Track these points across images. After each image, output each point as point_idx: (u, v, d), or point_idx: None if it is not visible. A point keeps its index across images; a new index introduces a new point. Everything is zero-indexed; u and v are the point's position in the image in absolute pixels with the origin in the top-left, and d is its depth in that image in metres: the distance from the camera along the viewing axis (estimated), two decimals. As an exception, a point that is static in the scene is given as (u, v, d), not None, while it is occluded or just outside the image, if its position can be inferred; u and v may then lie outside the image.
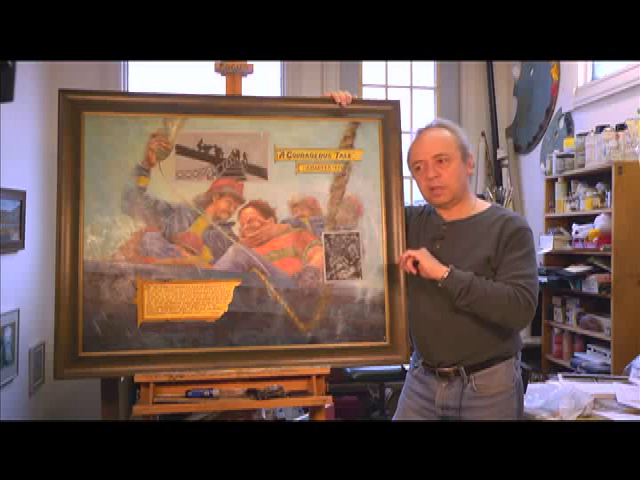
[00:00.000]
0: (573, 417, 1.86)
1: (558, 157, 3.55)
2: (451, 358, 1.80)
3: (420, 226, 1.93)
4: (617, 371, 2.69)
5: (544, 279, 3.43)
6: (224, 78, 2.09)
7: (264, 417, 2.67)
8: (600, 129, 3.19)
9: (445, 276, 1.72)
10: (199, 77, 3.31)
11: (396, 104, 2.09)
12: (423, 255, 1.77)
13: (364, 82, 4.54)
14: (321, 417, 2.00)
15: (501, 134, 4.57)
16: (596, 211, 3.15)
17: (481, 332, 1.78)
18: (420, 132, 1.88)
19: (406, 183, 2.08)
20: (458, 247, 1.81)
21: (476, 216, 1.85)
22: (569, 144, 3.54)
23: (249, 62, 2.08)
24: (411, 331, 1.94)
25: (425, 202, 1.95)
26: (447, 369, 1.81)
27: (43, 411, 3.48)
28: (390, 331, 1.95)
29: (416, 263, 1.76)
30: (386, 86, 4.61)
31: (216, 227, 1.93)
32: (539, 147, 4.19)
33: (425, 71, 4.66)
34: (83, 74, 3.79)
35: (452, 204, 1.85)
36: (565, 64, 3.92)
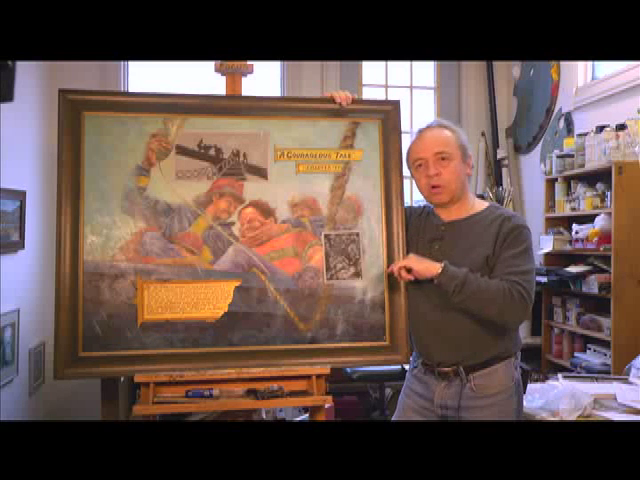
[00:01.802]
0: (573, 417, 1.86)
1: (558, 157, 3.55)
2: (450, 358, 1.80)
3: (419, 226, 1.94)
4: (617, 371, 2.69)
5: (544, 279, 3.43)
6: (224, 78, 2.09)
7: (264, 417, 2.67)
8: (600, 129, 3.19)
9: (439, 272, 1.72)
10: (199, 77, 3.31)
11: (396, 104, 2.09)
12: (412, 260, 1.79)
13: (364, 82, 4.54)
14: (321, 417, 2.00)
15: (501, 134, 4.57)
16: (596, 211, 3.15)
17: (480, 332, 1.78)
18: (421, 131, 1.88)
19: (406, 183, 2.08)
20: (457, 247, 1.81)
21: (474, 216, 1.85)
22: (569, 144, 3.54)
23: (249, 62, 2.08)
24: (410, 331, 1.94)
25: (425, 202, 1.95)
26: (446, 369, 1.81)
27: (43, 411, 3.48)
28: (390, 331, 1.95)
29: (409, 270, 1.78)
30: (386, 86, 4.61)
31: (216, 227, 1.93)
32: (539, 147, 4.19)
33: (425, 71, 4.66)
34: (83, 74, 3.80)
35: (451, 203, 1.86)
36: (565, 64, 3.92)
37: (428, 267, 1.75)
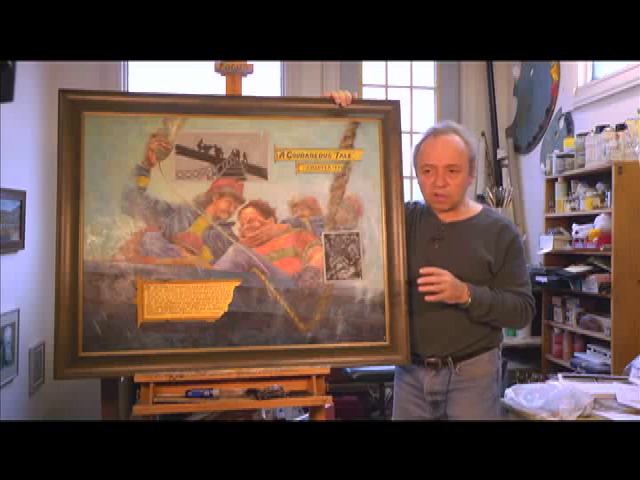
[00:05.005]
0: (573, 417, 1.86)
1: (558, 157, 3.55)
2: (440, 352, 1.88)
3: (415, 224, 1.97)
4: (617, 371, 2.69)
5: (544, 279, 3.43)
6: (224, 78, 2.09)
7: (264, 417, 2.67)
8: (600, 129, 3.19)
9: (467, 303, 1.80)
10: (199, 77, 3.31)
11: (396, 104, 2.08)
12: (446, 285, 1.78)
13: (364, 82, 4.54)
14: (321, 417, 2.00)
15: (501, 134, 4.56)
16: (596, 211, 3.15)
17: (470, 328, 1.87)
18: (435, 134, 1.90)
19: (406, 183, 2.08)
20: (456, 248, 1.88)
21: (472, 218, 1.92)
22: (569, 144, 3.54)
23: (249, 62, 2.08)
24: None
25: (415, 200, 2.01)
26: (435, 359, 1.89)
27: (43, 411, 3.48)
28: (390, 331, 1.95)
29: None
30: (386, 86, 4.60)
31: (216, 227, 1.93)
32: (539, 147, 4.19)
33: (425, 71, 4.66)
34: (83, 74, 3.79)
35: (450, 209, 1.92)
36: (565, 64, 3.92)
37: (457, 297, 1.80)
